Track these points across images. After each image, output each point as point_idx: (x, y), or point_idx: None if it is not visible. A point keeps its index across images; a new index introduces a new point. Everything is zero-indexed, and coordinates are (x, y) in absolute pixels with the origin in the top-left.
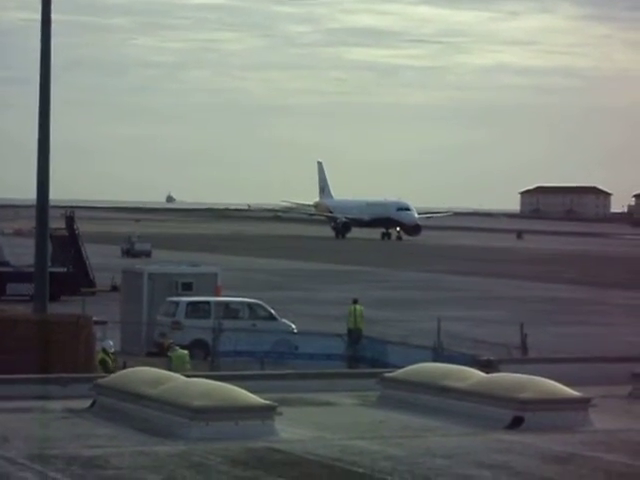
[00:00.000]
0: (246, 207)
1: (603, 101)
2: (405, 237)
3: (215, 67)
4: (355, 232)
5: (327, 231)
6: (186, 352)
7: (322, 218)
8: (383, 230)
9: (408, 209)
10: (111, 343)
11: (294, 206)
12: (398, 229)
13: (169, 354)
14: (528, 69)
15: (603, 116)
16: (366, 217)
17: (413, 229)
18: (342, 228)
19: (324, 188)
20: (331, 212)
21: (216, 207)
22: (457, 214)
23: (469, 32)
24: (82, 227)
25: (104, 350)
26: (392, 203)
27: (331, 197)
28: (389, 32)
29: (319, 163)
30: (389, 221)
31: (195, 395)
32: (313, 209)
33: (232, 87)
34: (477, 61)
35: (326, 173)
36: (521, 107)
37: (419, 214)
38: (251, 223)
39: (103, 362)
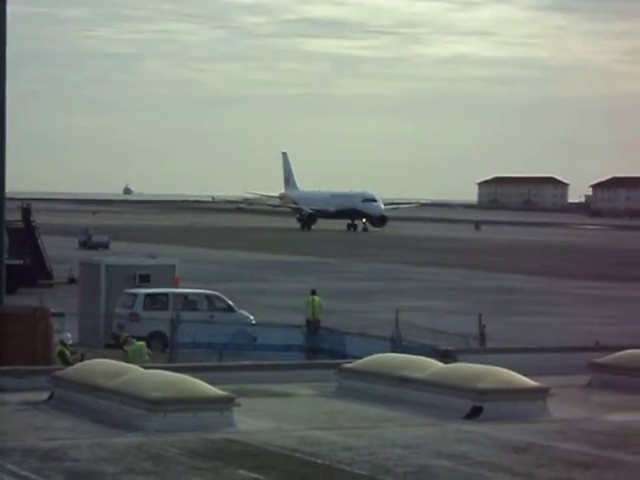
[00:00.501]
0: (210, 199)
1: (561, 92)
2: (371, 228)
3: (171, 58)
4: (321, 224)
5: (293, 223)
6: (143, 344)
7: (287, 210)
8: (349, 221)
9: (374, 200)
10: (69, 335)
11: (258, 198)
12: (364, 220)
13: (125, 348)
14: (486, 60)
15: (560, 107)
16: (331, 208)
17: (379, 220)
18: (307, 219)
19: (289, 179)
20: (296, 204)
21: (175, 199)
22: (423, 205)
23: (427, 23)
24: (39, 219)
25: (62, 342)
26: (358, 194)
27: (296, 188)
28: (346, 23)
29: (284, 154)
30: (355, 212)
31: (153, 387)
32: (278, 200)
33: (188, 78)
34: (435, 52)
35: (291, 164)
36: (478, 98)
37: (385, 205)
38: (213, 215)
39: (61, 354)
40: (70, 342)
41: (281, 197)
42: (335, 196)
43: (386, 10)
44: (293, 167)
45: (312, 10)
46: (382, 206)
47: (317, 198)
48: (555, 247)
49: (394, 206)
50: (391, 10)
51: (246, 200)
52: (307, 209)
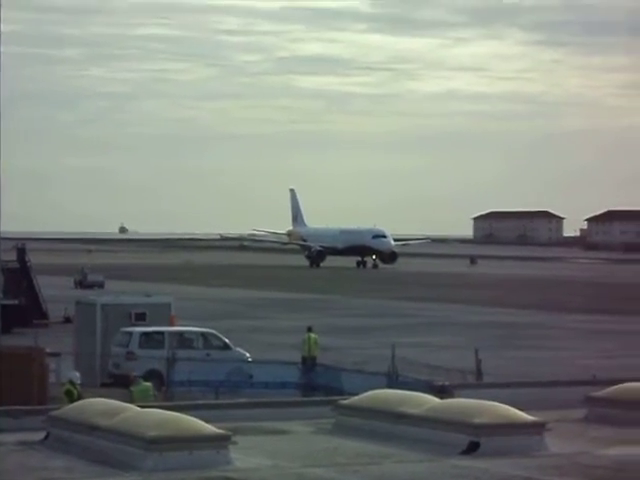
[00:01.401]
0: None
1: (555, 125)
2: (381, 265)
3: (166, 97)
4: (331, 260)
5: (301, 260)
6: (150, 385)
7: (295, 247)
8: (358, 258)
9: (384, 236)
10: (77, 375)
11: (265, 235)
12: (374, 257)
13: (131, 388)
14: (478, 95)
15: (554, 141)
16: (340, 245)
17: (389, 257)
18: (316, 257)
19: (297, 216)
20: (305, 240)
21: (171, 237)
22: (435, 241)
23: (419, 59)
24: (34, 259)
25: (71, 382)
26: (367, 230)
27: (304, 225)
28: (338, 60)
29: (291, 190)
30: (364, 249)
31: (149, 425)
32: (285, 238)
33: (183, 117)
34: (427, 88)
35: (299, 201)
36: (472, 133)
37: (395, 241)
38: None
39: (69, 393)
40: (79, 382)
41: (289, 234)
42: (344, 232)
43: (378, 47)
44: (301, 204)
45: (305, 48)
46: (392, 242)
47: (326, 235)
48: (551, 281)
49: (404, 242)
50: (383, 47)
51: (251, 236)
52: (316, 246)
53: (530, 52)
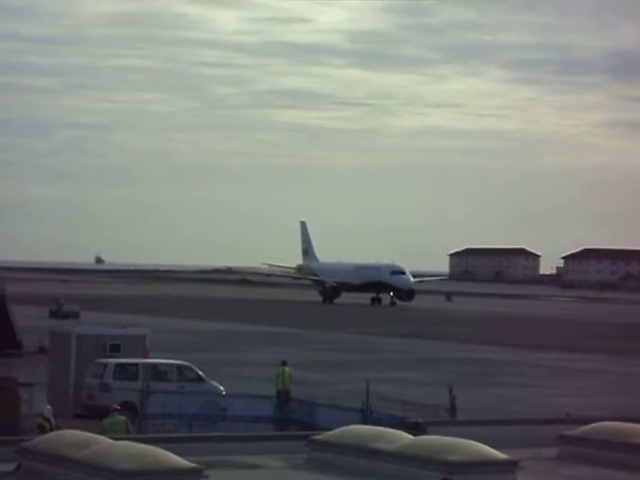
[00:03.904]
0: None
1: (531, 163)
2: (399, 302)
3: (142, 128)
4: (345, 297)
5: (313, 295)
6: (123, 419)
7: (307, 282)
8: (373, 295)
9: (403, 273)
10: (49, 407)
11: (271, 268)
12: (392, 294)
13: (104, 420)
14: (455, 132)
15: (530, 178)
16: (356, 281)
17: (407, 294)
18: (331, 293)
19: (307, 250)
20: (316, 275)
21: (147, 269)
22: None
23: (397, 95)
24: (9, 288)
25: (43, 415)
26: (385, 266)
27: (316, 259)
28: (317, 94)
29: (302, 223)
30: (381, 285)
31: (121, 458)
32: (294, 271)
33: (160, 149)
34: (405, 123)
35: (310, 234)
36: (449, 169)
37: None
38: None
39: (41, 427)
40: (50, 415)
41: (299, 268)
42: (360, 268)
43: (356, 82)
44: (312, 237)
45: (283, 81)
46: (412, 279)
47: (340, 269)
48: (526, 319)
49: (420, 279)
50: (361, 82)
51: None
52: (330, 281)
53: (507, 89)
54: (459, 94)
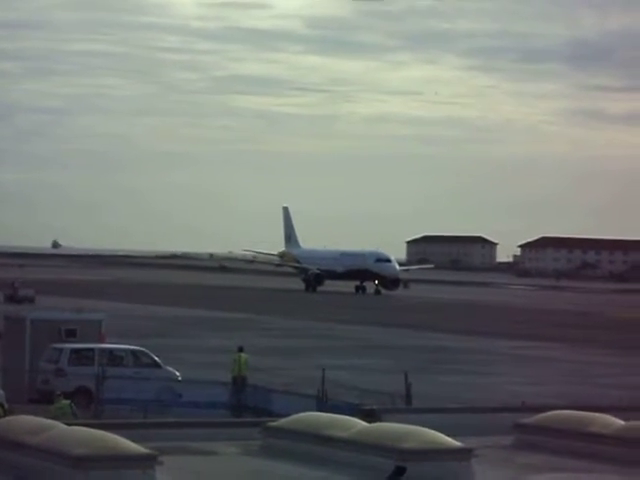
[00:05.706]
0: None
1: (488, 151)
2: (384, 291)
3: (102, 113)
4: (329, 285)
5: (293, 283)
6: (67, 403)
7: (291, 269)
8: (357, 283)
9: (388, 260)
10: (2, 392)
11: (254, 255)
12: (376, 282)
13: (51, 406)
14: (413, 119)
15: (488, 166)
16: (340, 268)
17: (392, 282)
18: (314, 280)
19: (290, 236)
20: (299, 262)
21: (107, 254)
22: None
23: (356, 81)
24: None
25: None
26: (370, 253)
27: (299, 246)
28: (276, 80)
29: (285, 208)
30: (366, 273)
31: (75, 443)
32: (277, 258)
33: (120, 133)
34: (363, 110)
35: (292, 219)
36: (406, 157)
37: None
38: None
39: None
40: (3, 400)
41: (282, 255)
42: (344, 255)
43: (316, 68)
44: (294, 223)
45: (243, 67)
46: (397, 267)
47: (324, 257)
48: (482, 306)
49: (405, 267)
50: (321, 68)
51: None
52: (314, 269)
53: (465, 77)
54: (417, 81)
